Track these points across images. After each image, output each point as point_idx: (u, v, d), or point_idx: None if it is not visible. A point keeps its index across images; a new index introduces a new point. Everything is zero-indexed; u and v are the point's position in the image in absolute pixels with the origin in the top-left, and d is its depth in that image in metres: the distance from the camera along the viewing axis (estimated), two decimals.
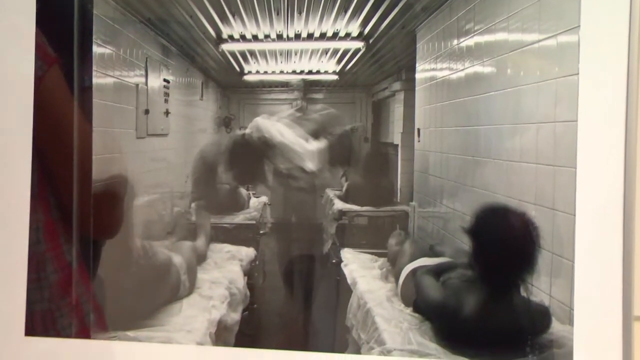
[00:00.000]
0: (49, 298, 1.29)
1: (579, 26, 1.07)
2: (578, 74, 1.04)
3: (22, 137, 1.19)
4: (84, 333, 1.38)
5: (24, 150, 1.19)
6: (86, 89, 1.38)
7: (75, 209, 1.31)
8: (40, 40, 1.20)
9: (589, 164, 1.08)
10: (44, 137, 1.21)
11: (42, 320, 1.28)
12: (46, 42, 1.22)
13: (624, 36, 1.06)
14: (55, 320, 1.30)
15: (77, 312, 1.34)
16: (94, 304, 1.43)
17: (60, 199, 1.31)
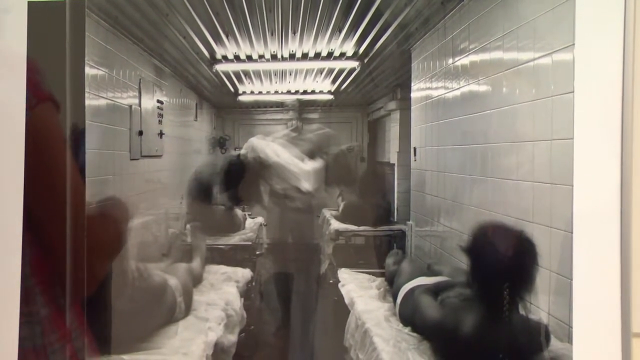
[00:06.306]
0: (41, 333, 1.27)
1: (573, 44, 1.07)
2: (573, 91, 1.04)
3: (13, 172, 1.18)
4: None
5: (15, 183, 1.18)
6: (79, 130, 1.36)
7: (68, 242, 1.29)
8: (35, 76, 1.19)
9: (586, 181, 1.07)
10: (32, 174, 1.19)
11: (35, 356, 1.26)
12: (41, 79, 1.21)
13: (618, 54, 1.06)
14: (47, 355, 1.28)
15: (70, 346, 1.32)
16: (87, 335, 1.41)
17: (48, 230, 1.29)
